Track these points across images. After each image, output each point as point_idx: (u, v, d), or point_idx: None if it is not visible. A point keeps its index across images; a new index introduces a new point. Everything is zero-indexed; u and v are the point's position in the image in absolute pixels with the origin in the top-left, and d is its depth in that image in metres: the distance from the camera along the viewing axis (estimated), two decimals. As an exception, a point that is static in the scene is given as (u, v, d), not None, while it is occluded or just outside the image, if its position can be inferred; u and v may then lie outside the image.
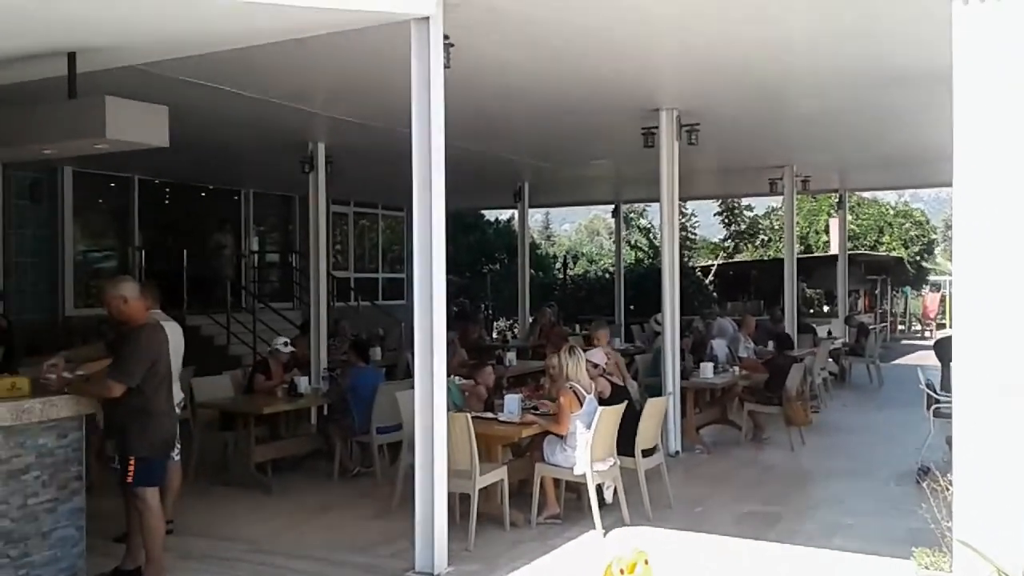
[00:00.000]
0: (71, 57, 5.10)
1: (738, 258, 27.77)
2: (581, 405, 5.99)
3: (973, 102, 3.85)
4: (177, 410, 5.43)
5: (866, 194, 26.23)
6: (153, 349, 4.75)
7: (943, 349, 8.05)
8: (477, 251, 25.45)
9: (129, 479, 4.66)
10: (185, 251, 13.42)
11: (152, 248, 13.35)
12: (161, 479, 4.92)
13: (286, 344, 8.31)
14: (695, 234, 28.82)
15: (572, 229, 46.25)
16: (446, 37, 5.04)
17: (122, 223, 13.37)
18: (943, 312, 26.22)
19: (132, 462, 4.64)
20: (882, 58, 6.73)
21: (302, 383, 7.81)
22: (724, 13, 5.56)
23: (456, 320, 13.58)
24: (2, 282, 11.10)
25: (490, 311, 21.95)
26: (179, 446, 5.68)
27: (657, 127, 8.59)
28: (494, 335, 18.06)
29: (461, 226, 23.30)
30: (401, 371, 10.57)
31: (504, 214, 26.91)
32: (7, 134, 5.61)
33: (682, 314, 9.16)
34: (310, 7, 4.49)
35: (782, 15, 5.63)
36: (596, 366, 6.60)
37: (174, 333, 5.60)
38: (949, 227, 31.35)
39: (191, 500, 6.28)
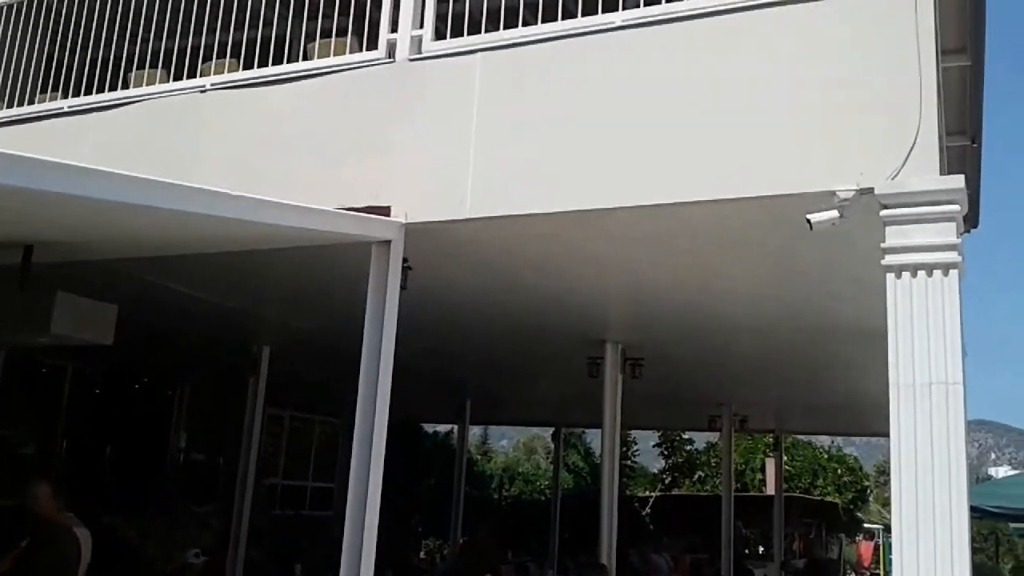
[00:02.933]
0: (27, 250, 5.10)
1: (676, 491, 27.54)
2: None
3: (906, 362, 3.99)
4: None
5: (802, 436, 26.63)
6: (66, 563, 4.47)
7: None
8: (411, 464, 24.86)
9: None
10: (110, 444, 12.92)
11: (76, 438, 12.83)
12: None
13: (198, 556, 7.85)
14: (636, 463, 28.69)
15: (510, 445, 45.76)
16: (405, 260, 5.18)
17: (49, 410, 12.89)
18: (876, 561, 25.97)
19: None
20: (819, 314, 7.06)
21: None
22: (672, 262, 5.83)
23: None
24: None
25: (420, 528, 21.15)
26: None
27: (602, 358, 8.75)
28: (422, 555, 17.32)
29: (398, 437, 22.86)
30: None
31: (443, 426, 26.58)
32: (-55, 318, 5.49)
33: (619, 545, 8.92)
34: (278, 224, 4.61)
35: (725, 269, 5.92)
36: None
37: (85, 541, 5.28)
38: (881, 473, 31.78)
39: None
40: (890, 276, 3.92)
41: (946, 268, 3.83)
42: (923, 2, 4.13)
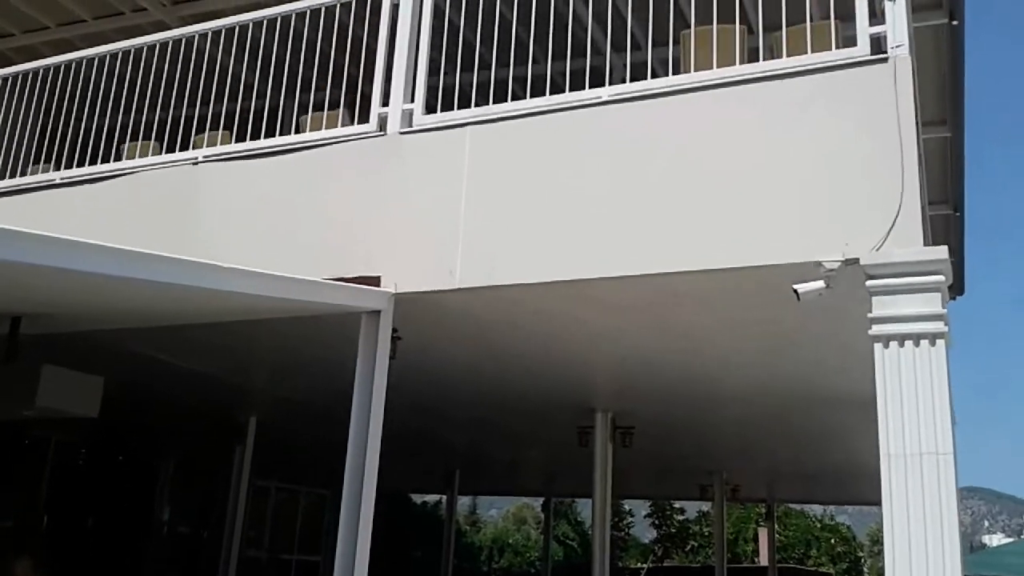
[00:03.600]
0: (15, 322, 5.08)
1: (668, 563, 27.11)
2: None
3: (896, 432, 3.98)
4: None
5: (794, 505, 26.37)
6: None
7: None
8: (399, 535, 24.42)
9: None
10: (93, 516, 12.68)
11: (59, 510, 12.58)
12: None
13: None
14: (628, 534, 28.29)
15: (499, 515, 45.05)
16: (394, 330, 5.18)
17: (31, 481, 12.66)
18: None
19: None
20: (808, 381, 7.07)
21: None
22: (660, 330, 5.84)
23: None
24: None
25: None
26: None
27: (592, 426, 8.70)
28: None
29: (385, 508, 22.52)
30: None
31: (431, 496, 26.20)
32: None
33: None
34: (268, 295, 4.61)
35: (714, 337, 5.94)
36: None
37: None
38: (875, 542, 31.36)
39: None
40: (878, 346, 3.94)
41: (933, 338, 3.86)
42: (903, 77, 4.24)
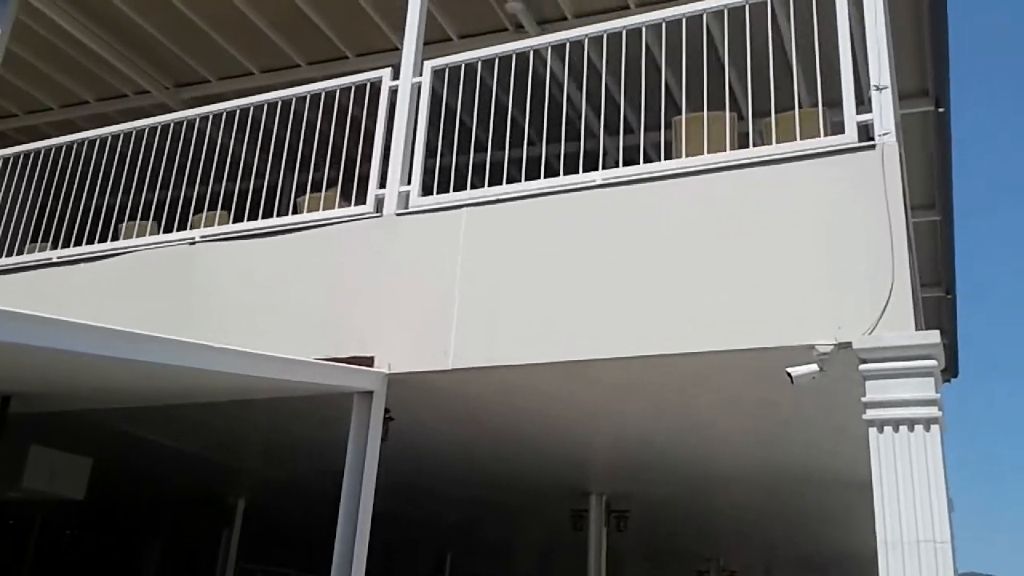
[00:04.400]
0: (4, 401, 5.05)
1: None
2: None
3: (892, 519, 3.93)
4: None
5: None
6: None
7: None
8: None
9: None
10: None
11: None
12: None
13: None
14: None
15: (493, 601, 43.99)
16: (387, 411, 5.15)
17: (13, 563, 12.36)
18: None
19: None
20: (804, 464, 6.99)
21: None
22: (656, 411, 5.81)
23: None
24: None
25: None
26: None
27: (587, 510, 8.56)
28: None
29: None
30: None
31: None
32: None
33: None
34: (261, 376, 4.59)
35: (710, 418, 5.90)
36: None
37: None
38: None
39: None
40: (872, 431, 3.92)
41: (927, 423, 3.84)
42: (891, 164, 4.31)
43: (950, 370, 10.85)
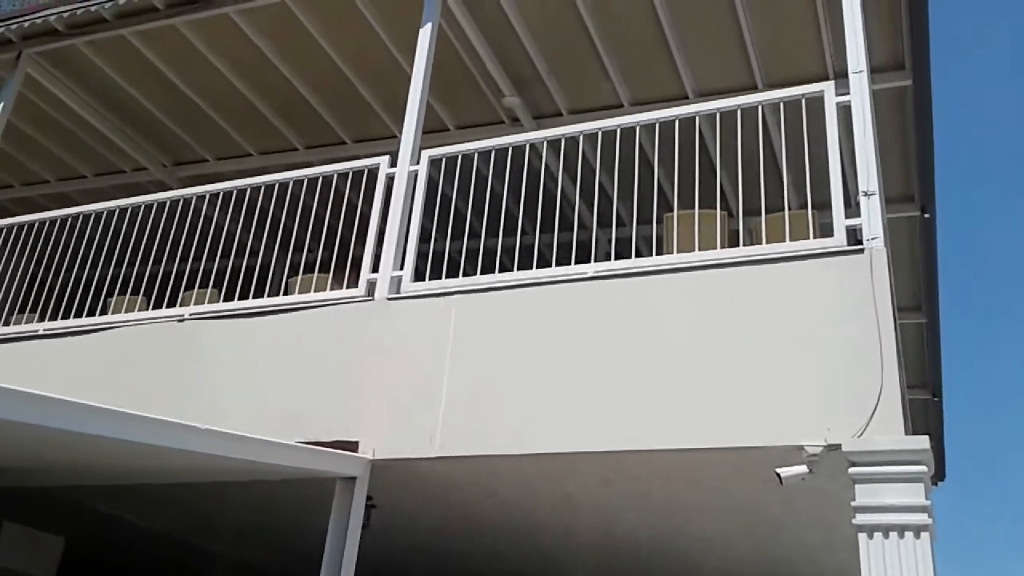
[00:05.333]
0: (-20, 475, 4.95)
1: None
2: None
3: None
4: None
5: None
6: None
7: None
8: None
9: None
10: None
11: None
12: None
13: None
14: None
15: None
16: (369, 498, 5.06)
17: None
18: None
19: None
20: (791, 563, 6.88)
21: None
22: (641, 506, 5.73)
23: None
24: None
25: None
26: None
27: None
28: None
29: None
30: None
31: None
32: None
33: None
34: (244, 459, 4.53)
35: (695, 514, 5.83)
36: None
37: None
38: None
39: None
40: (862, 536, 3.87)
41: (917, 530, 3.79)
42: (879, 268, 4.37)
43: (938, 474, 10.79)
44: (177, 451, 4.28)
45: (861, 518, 3.90)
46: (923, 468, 3.88)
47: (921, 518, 3.81)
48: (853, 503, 3.94)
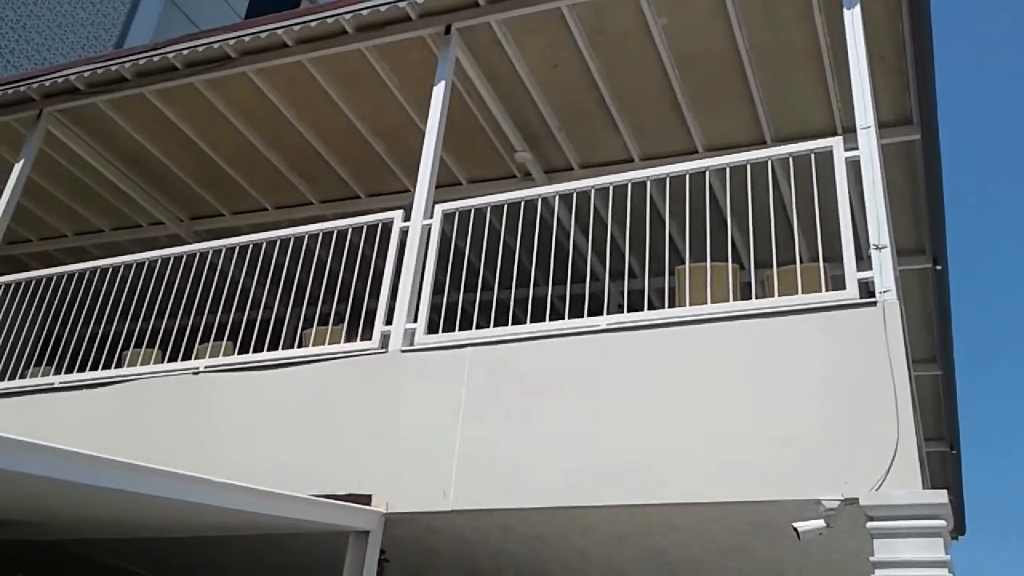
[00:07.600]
0: (-7, 527, 4.93)
1: None
2: None
3: None
4: None
5: None
6: None
7: None
8: None
9: None
10: None
11: None
12: None
13: None
14: None
15: None
16: (382, 552, 5.02)
17: None
18: None
19: None
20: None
21: None
22: (656, 562, 5.67)
23: None
24: None
25: None
26: None
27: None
28: None
29: None
30: None
31: None
32: None
33: None
34: (256, 512, 4.51)
35: (710, 571, 5.75)
36: None
37: None
38: None
39: None
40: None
41: (937, 586, 3.74)
42: (892, 320, 4.37)
43: (958, 528, 10.62)
44: (187, 504, 4.27)
45: (880, 574, 3.84)
46: (942, 522, 3.83)
47: (941, 574, 3.75)
48: (871, 558, 3.89)
